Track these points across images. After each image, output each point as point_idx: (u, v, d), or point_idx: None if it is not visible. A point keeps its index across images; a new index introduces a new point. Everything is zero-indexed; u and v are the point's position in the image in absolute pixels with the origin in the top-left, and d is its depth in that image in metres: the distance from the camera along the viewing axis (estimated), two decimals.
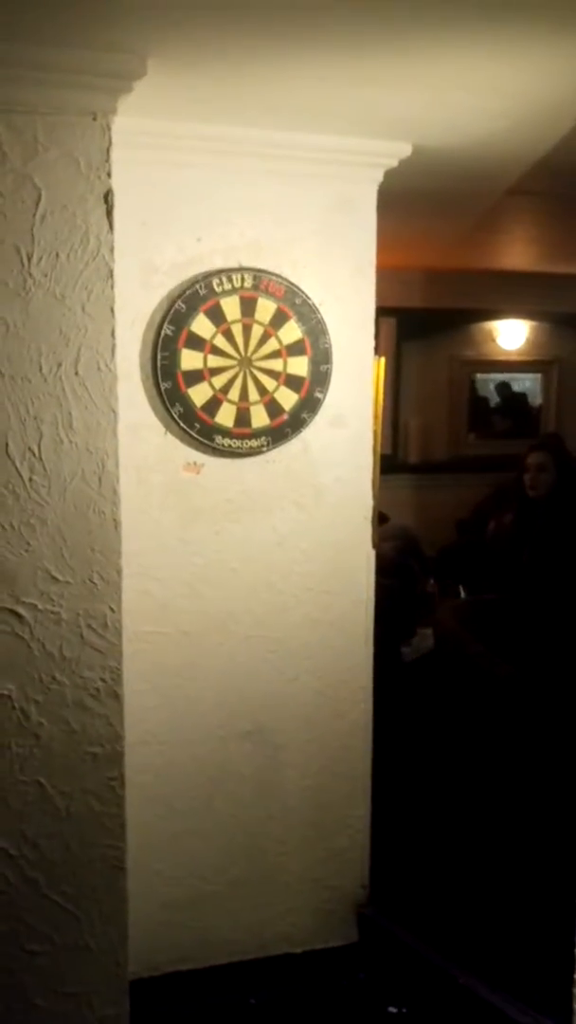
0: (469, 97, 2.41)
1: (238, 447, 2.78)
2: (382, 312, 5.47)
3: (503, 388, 7.60)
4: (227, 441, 2.76)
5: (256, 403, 2.76)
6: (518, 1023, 2.66)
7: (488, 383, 7.57)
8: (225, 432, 2.75)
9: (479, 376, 7.45)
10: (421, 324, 6.80)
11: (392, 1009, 2.93)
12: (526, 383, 7.61)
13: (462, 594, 5.05)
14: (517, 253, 5.92)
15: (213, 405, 2.73)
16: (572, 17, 1.89)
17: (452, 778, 3.66)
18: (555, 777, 3.21)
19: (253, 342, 2.75)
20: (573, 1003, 2.34)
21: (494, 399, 7.61)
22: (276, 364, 2.78)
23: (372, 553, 3.05)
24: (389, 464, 6.29)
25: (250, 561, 2.88)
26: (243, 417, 2.77)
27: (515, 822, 3.30)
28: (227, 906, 2.98)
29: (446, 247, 5.39)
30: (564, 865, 2.41)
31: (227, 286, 2.70)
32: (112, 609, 2.29)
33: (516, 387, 7.60)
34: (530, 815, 3.25)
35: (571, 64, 2.16)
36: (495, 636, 3.85)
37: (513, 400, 7.61)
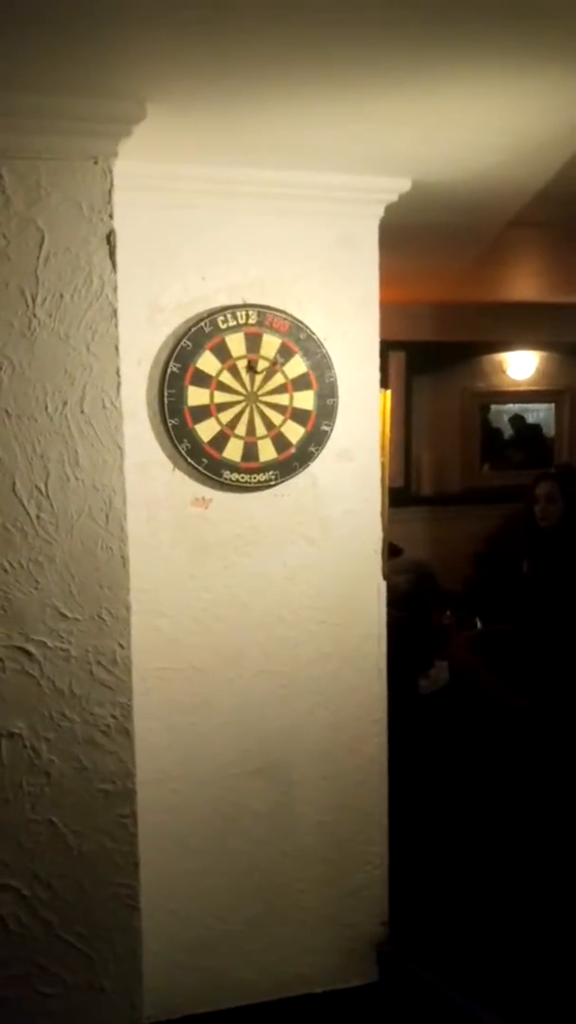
0: (465, 132, 2.45)
1: (246, 481, 2.79)
2: (391, 346, 5.52)
3: (516, 419, 7.61)
4: (235, 476, 2.78)
5: (263, 437, 2.78)
6: None
7: (501, 414, 7.59)
8: (233, 467, 2.77)
9: (491, 407, 7.46)
10: (431, 357, 6.83)
11: None
12: (539, 414, 7.62)
13: (478, 626, 5.03)
14: (524, 285, 5.96)
15: (220, 440, 2.75)
16: (562, 53, 1.92)
17: (470, 812, 3.62)
18: (572, 810, 3.17)
19: (259, 377, 2.77)
20: None
21: (507, 430, 7.62)
22: (282, 399, 2.80)
23: (383, 585, 3.04)
24: (402, 497, 6.32)
25: (260, 595, 2.88)
26: (250, 451, 2.78)
27: (535, 856, 3.25)
28: (244, 946, 2.94)
29: (452, 280, 5.43)
30: None
31: (232, 323, 2.73)
32: (121, 645, 2.29)
33: (529, 418, 7.61)
34: (550, 849, 3.20)
35: (564, 97, 2.18)
36: (510, 667, 3.82)
37: (526, 431, 7.62)
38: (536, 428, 7.61)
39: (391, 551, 3.79)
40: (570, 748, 3.34)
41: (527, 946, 3.01)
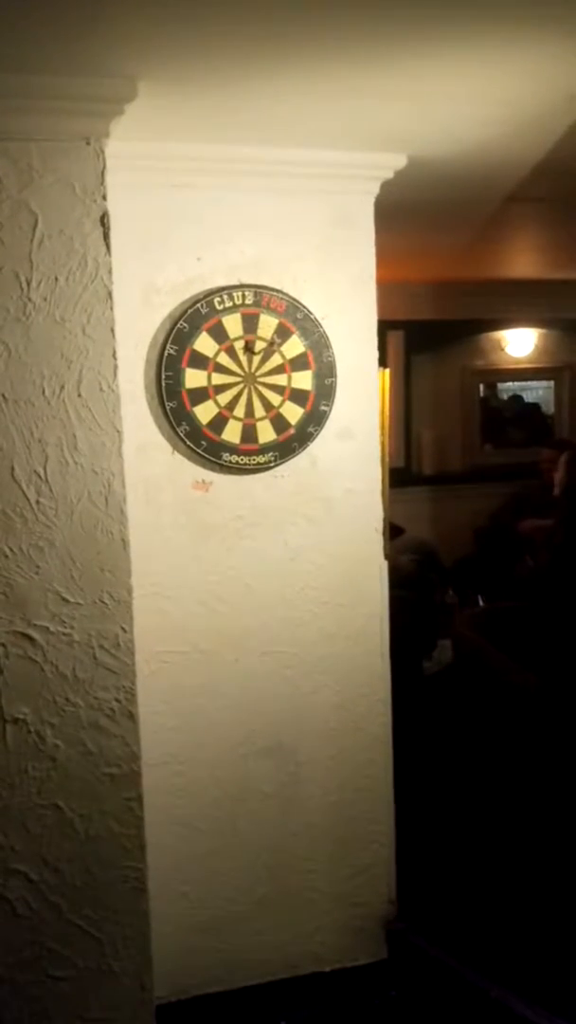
0: (460, 106, 2.42)
1: (246, 463, 2.78)
2: (390, 325, 5.50)
3: (516, 396, 7.60)
4: (234, 458, 2.76)
5: (262, 419, 2.77)
6: None
7: (501, 392, 7.57)
8: (232, 449, 2.76)
9: (491, 386, 7.44)
10: (430, 336, 6.81)
11: None
12: (539, 391, 7.60)
13: (481, 604, 5.03)
14: (522, 261, 5.92)
15: (219, 422, 2.74)
16: (558, 23, 1.90)
17: (477, 789, 3.62)
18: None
19: (256, 358, 2.75)
20: None
21: (507, 408, 7.60)
22: (280, 379, 2.79)
23: (385, 565, 3.04)
24: (403, 476, 6.31)
25: (263, 577, 2.88)
26: (249, 433, 2.77)
27: (542, 832, 3.25)
28: (254, 926, 2.95)
29: (450, 258, 5.40)
30: None
31: (228, 303, 2.72)
32: (124, 629, 2.29)
33: (529, 395, 7.59)
34: (558, 825, 3.21)
35: (560, 68, 2.16)
36: (515, 643, 3.82)
37: (526, 408, 7.60)
38: (535, 405, 7.60)
39: (392, 531, 3.79)
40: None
41: (535, 921, 3.02)
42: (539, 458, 6.23)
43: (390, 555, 3.07)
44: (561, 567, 4.11)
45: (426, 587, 4.40)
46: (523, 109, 2.46)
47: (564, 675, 3.52)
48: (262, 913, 2.96)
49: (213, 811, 2.89)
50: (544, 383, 7.56)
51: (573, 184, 3.39)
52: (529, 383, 7.58)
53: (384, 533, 3.04)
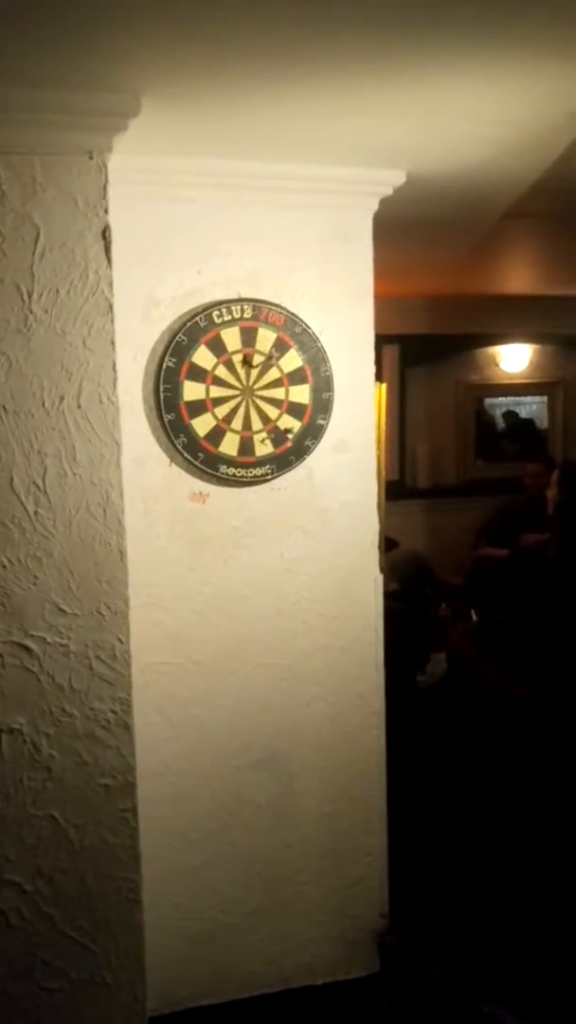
0: (458, 124, 2.45)
1: (243, 475, 2.79)
2: (385, 339, 5.52)
3: (510, 411, 7.63)
4: (231, 470, 2.78)
5: (259, 432, 2.78)
6: None
7: (495, 407, 7.60)
8: (229, 461, 2.77)
9: (486, 400, 7.48)
10: (425, 350, 6.84)
11: None
12: (532, 406, 7.64)
13: (474, 617, 5.04)
14: (518, 277, 5.96)
15: (216, 435, 2.75)
16: (558, 44, 1.92)
17: (470, 802, 3.63)
18: (573, 798, 3.18)
19: (255, 371, 2.77)
20: None
21: (501, 423, 7.63)
22: (278, 393, 2.80)
23: (380, 578, 3.05)
24: (398, 490, 6.33)
25: (259, 588, 2.89)
26: (247, 446, 2.78)
27: (535, 846, 3.26)
28: (247, 938, 2.95)
29: (446, 273, 5.43)
30: None
31: (227, 317, 2.73)
32: (120, 640, 2.30)
33: (523, 409, 7.63)
34: (550, 839, 3.21)
35: (559, 88, 2.18)
36: (509, 657, 3.83)
37: (520, 423, 7.64)
38: (529, 420, 7.64)
39: (387, 544, 3.80)
40: (572, 737, 3.34)
41: (528, 935, 3.02)
42: (524, 473, 6.26)
43: (383, 568, 3.08)
44: (555, 582, 4.12)
45: (419, 600, 4.41)
46: (522, 128, 2.48)
47: (558, 689, 3.53)
48: (255, 925, 2.96)
49: (207, 822, 2.89)
50: (538, 398, 7.60)
51: (570, 201, 3.42)
52: (523, 398, 7.62)
53: (379, 546, 3.06)
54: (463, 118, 2.40)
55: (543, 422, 7.60)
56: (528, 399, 7.62)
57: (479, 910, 3.20)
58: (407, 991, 3.04)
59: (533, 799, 3.34)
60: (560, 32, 1.87)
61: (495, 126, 2.46)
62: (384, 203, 2.92)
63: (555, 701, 3.44)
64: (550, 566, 4.24)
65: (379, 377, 3.10)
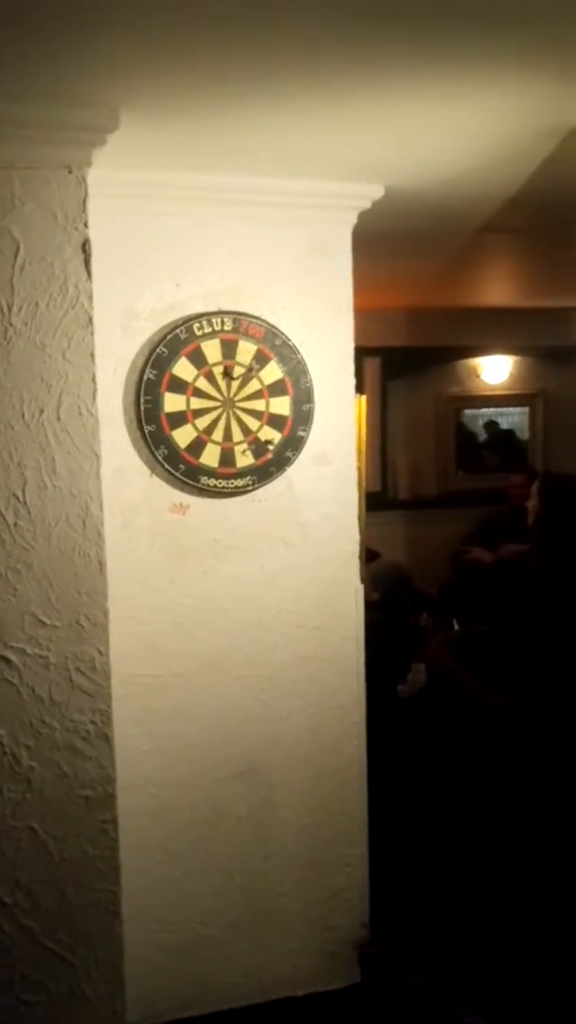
0: (437, 139, 2.48)
1: (223, 487, 2.81)
2: (366, 352, 5.54)
3: (491, 423, 7.68)
4: (212, 481, 2.79)
5: (240, 443, 2.80)
6: None
7: (476, 419, 7.65)
8: (210, 472, 2.78)
9: (466, 412, 7.52)
10: (406, 362, 6.88)
11: None
12: (513, 417, 7.69)
13: (455, 627, 5.06)
14: (498, 290, 6.01)
15: (197, 446, 2.76)
16: (533, 60, 1.95)
17: (449, 813, 3.64)
18: (553, 809, 3.20)
19: (235, 383, 2.78)
20: None
21: (482, 434, 7.68)
22: (259, 404, 2.82)
23: (361, 589, 3.06)
24: (379, 501, 6.35)
25: (239, 600, 2.89)
26: (228, 457, 2.80)
27: (515, 856, 3.27)
28: (227, 950, 2.95)
29: (427, 286, 5.47)
30: (565, 899, 2.39)
31: (207, 329, 2.75)
32: (100, 652, 2.30)
33: (503, 421, 7.68)
34: (529, 848, 3.23)
35: (535, 104, 2.21)
36: (488, 668, 3.85)
37: (501, 434, 7.69)
38: (510, 431, 7.69)
39: (368, 556, 3.82)
40: (551, 748, 3.36)
41: (508, 945, 3.03)
42: (508, 483, 6.30)
43: (364, 579, 3.10)
44: (535, 593, 4.15)
45: (400, 611, 4.43)
46: (499, 143, 2.51)
47: (537, 700, 3.55)
48: (235, 936, 2.95)
49: (186, 834, 2.88)
50: (519, 409, 7.65)
51: (547, 215, 3.46)
52: (504, 409, 7.67)
53: (360, 557, 3.07)
54: (440, 133, 2.43)
55: (524, 433, 7.65)
56: (509, 410, 7.67)
57: (460, 920, 3.21)
58: (388, 1002, 3.04)
59: (513, 809, 3.35)
60: (535, 50, 1.90)
61: (472, 141, 2.49)
62: (363, 217, 2.94)
63: (533, 711, 3.46)
64: (530, 577, 4.27)
65: (360, 389, 3.12)
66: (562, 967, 2.39)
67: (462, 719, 3.77)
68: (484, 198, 3.12)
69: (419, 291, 5.71)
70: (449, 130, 2.40)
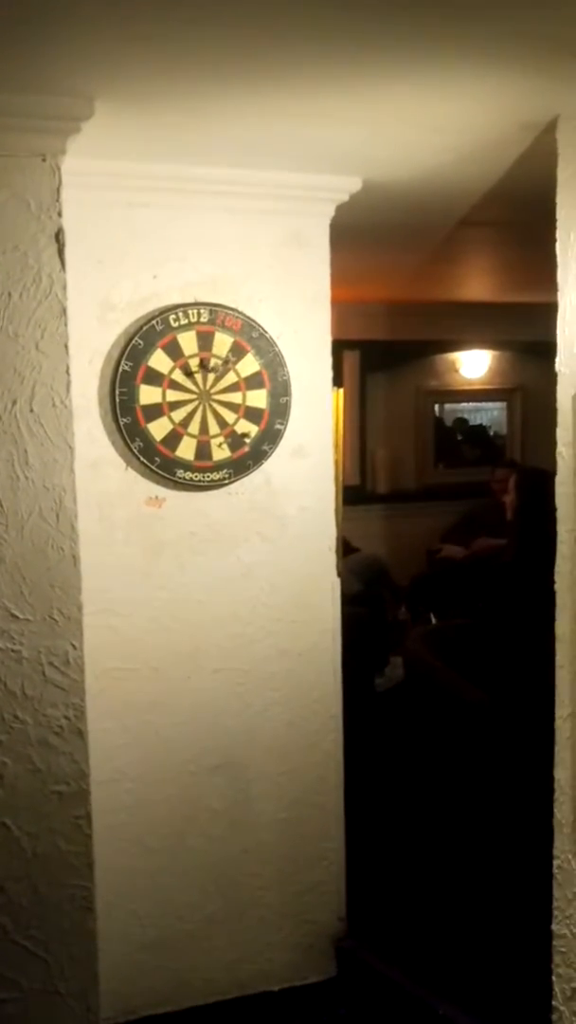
0: (414, 132, 2.46)
1: (200, 480, 2.79)
2: (346, 345, 5.53)
3: (469, 417, 7.70)
4: (188, 474, 2.77)
5: (216, 436, 2.78)
6: None
7: (455, 413, 7.66)
8: (186, 465, 2.77)
9: (446, 406, 7.53)
10: (385, 356, 6.88)
11: None
12: (492, 412, 7.70)
13: (433, 621, 5.07)
14: (477, 284, 6.02)
15: (173, 439, 2.74)
16: (509, 54, 1.94)
17: (427, 806, 3.65)
18: (528, 801, 3.21)
19: (211, 376, 2.77)
20: None
21: (460, 428, 7.69)
22: (235, 397, 2.80)
23: (338, 582, 3.06)
24: (358, 495, 6.35)
25: (216, 594, 2.88)
26: (204, 450, 2.78)
27: (490, 848, 3.28)
28: (203, 945, 2.94)
29: (406, 280, 5.46)
30: (538, 890, 2.40)
31: (184, 321, 2.73)
32: (74, 646, 2.28)
33: (483, 416, 7.69)
34: (505, 841, 3.24)
35: (510, 98, 2.21)
36: (465, 661, 3.86)
37: (479, 428, 7.70)
38: (487, 426, 7.71)
39: (347, 549, 3.81)
40: (527, 740, 3.37)
41: (483, 937, 3.04)
42: (490, 477, 6.31)
43: (341, 572, 3.09)
44: (511, 586, 4.16)
45: (378, 604, 4.43)
46: (476, 136, 2.51)
47: (513, 693, 3.56)
48: (211, 931, 2.95)
49: (163, 828, 2.87)
50: (497, 404, 7.66)
51: (525, 209, 3.45)
52: (483, 404, 7.68)
53: (337, 551, 3.07)
54: (416, 126, 2.41)
55: (503, 427, 7.67)
56: (488, 404, 7.69)
57: (436, 913, 3.22)
58: (364, 995, 3.04)
59: (489, 802, 3.36)
60: (510, 44, 1.89)
61: (448, 134, 2.48)
62: (341, 209, 2.93)
63: (509, 705, 3.47)
64: (504, 571, 4.28)
65: (338, 382, 3.11)
66: (535, 958, 2.40)
67: (439, 712, 3.77)
68: (462, 192, 3.11)
69: (399, 285, 5.70)
70: (425, 123, 2.39)
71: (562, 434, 2.24)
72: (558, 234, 2.25)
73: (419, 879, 3.40)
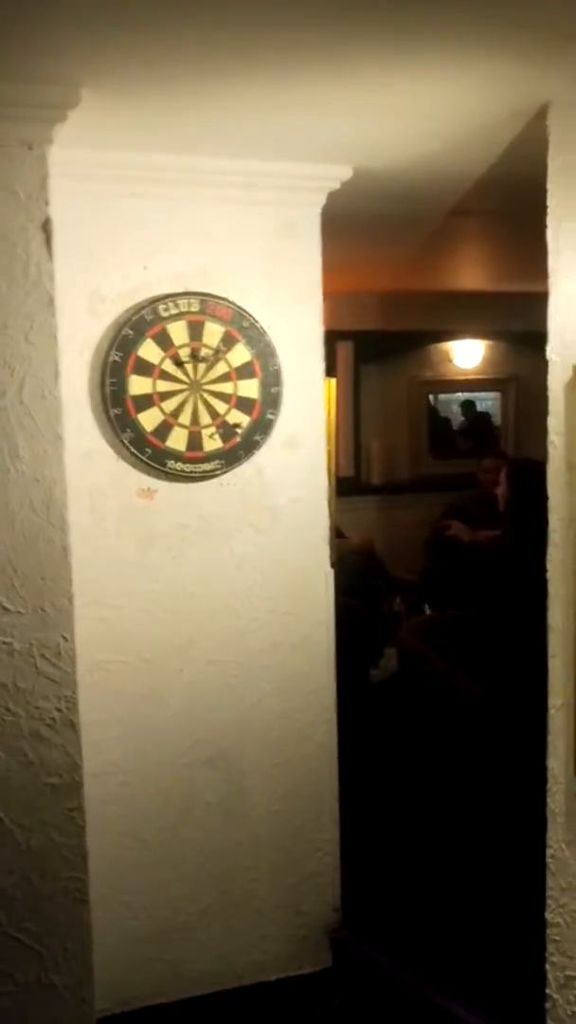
0: (405, 120, 2.45)
1: (191, 471, 2.78)
2: (339, 335, 5.50)
3: (463, 408, 7.68)
4: (180, 465, 2.76)
5: (208, 427, 2.77)
6: None
7: (449, 404, 7.64)
8: (177, 456, 2.76)
9: (440, 396, 7.52)
10: (379, 347, 6.86)
11: None
12: (487, 402, 7.69)
13: (427, 612, 5.06)
14: (471, 273, 6.00)
15: (164, 430, 2.73)
16: (501, 41, 1.92)
17: (422, 797, 3.65)
18: (521, 791, 3.21)
19: (202, 366, 2.75)
20: (546, 1020, 2.34)
21: (456, 419, 7.68)
22: (226, 387, 2.79)
23: (331, 573, 3.05)
24: (352, 486, 6.33)
25: (209, 585, 2.87)
26: (195, 441, 2.77)
27: (486, 840, 3.28)
28: (198, 936, 2.94)
29: (399, 269, 5.44)
30: (532, 881, 2.41)
31: (173, 311, 2.72)
32: (65, 638, 2.27)
33: (477, 406, 7.68)
34: (499, 831, 3.24)
35: (499, 86, 2.19)
36: (460, 652, 3.85)
37: (474, 419, 7.69)
38: (483, 416, 7.69)
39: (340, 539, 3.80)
40: (521, 731, 3.37)
41: (477, 927, 3.04)
42: (478, 468, 6.28)
43: (335, 563, 3.08)
44: (508, 578, 4.15)
45: (373, 596, 4.42)
46: (466, 124, 2.49)
47: (508, 684, 3.56)
48: (206, 923, 2.95)
49: (157, 821, 2.87)
50: (492, 394, 7.64)
51: (517, 198, 3.43)
52: (478, 394, 7.66)
53: (330, 542, 3.06)
54: (406, 113, 2.40)
55: (498, 418, 7.65)
56: (483, 395, 7.67)
57: (431, 903, 3.22)
58: (359, 986, 3.05)
59: (483, 794, 3.36)
60: (500, 31, 1.88)
61: (438, 122, 2.47)
62: (332, 198, 2.92)
63: (504, 696, 3.47)
64: (502, 561, 4.27)
65: (331, 373, 3.10)
66: (530, 947, 2.41)
67: (434, 704, 3.77)
68: (453, 180, 3.10)
69: (392, 275, 5.68)
70: (415, 110, 2.38)
71: (554, 423, 2.23)
72: (549, 222, 2.24)
73: (414, 870, 3.40)
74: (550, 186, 2.25)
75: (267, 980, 3.02)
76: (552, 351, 2.23)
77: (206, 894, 2.94)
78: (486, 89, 2.22)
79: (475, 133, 2.56)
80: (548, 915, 2.33)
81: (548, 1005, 2.35)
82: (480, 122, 2.47)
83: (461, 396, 7.65)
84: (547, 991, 2.35)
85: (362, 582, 4.35)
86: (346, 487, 6.10)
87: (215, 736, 2.91)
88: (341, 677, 3.12)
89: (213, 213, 2.79)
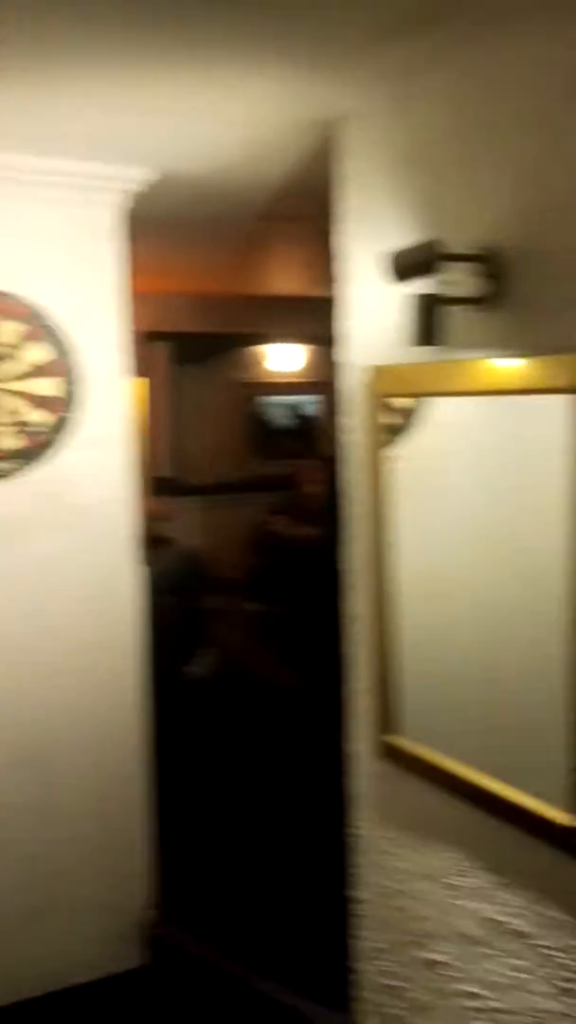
0: (204, 124, 2.48)
1: None
2: (155, 336, 5.49)
3: (289, 410, 7.82)
4: None
5: (5, 425, 2.73)
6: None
7: (274, 406, 7.76)
8: None
9: (260, 399, 7.62)
10: (198, 348, 6.89)
11: None
12: (308, 405, 7.85)
13: (248, 609, 5.13)
14: (285, 278, 6.11)
15: None
16: (292, 51, 1.98)
17: (239, 791, 3.70)
18: (333, 778, 3.31)
19: None
20: (351, 991, 2.43)
21: (276, 421, 7.81)
22: (25, 385, 2.76)
23: (140, 572, 3.06)
24: (174, 487, 6.34)
25: (13, 586, 2.83)
26: None
27: (298, 825, 3.37)
28: (16, 939, 2.89)
29: (216, 273, 5.49)
30: (342, 862, 2.49)
31: None
32: None
33: (297, 408, 7.83)
34: (312, 817, 3.33)
35: (298, 95, 2.24)
36: (279, 647, 3.94)
37: (296, 421, 7.84)
38: (304, 418, 7.85)
39: (159, 540, 3.82)
40: (333, 720, 3.47)
41: (292, 911, 3.13)
42: (291, 470, 6.39)
43: (149, 562, 3.09)
44: (319, 573, 4.27)
45: (192, 595, 4.46)
46: (263, 133, 2.55)
47: (323, 675, 3.66)
48: (23, 926, 2.90)
49: None
50: (314, 397, 7.81)
51: (323, 205, 3.54)
52: (303, 397, 7.81)
53: (139, 540, 3.07)
54: (207, 119, 2.43)
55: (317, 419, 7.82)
56: (303, 397, 7.82)
57: (249, 893, 3.28)
58: (178, 980, 3.07)
59: (298, 786, 3.45)
60: (292, 44, 1.93)
61: (240, 129, 2.51)
62: (142, 200, 2.93)
63: (319, 689, 3.57)
64: (316, 557, 4.39)
65: (142, 373, 3.10)
66: (340, 925, 2.50)
67: (254, 698, 3.84)
68: (257, 186, 3.16)
69: (209, 277, 5.72)
70: (215, 117, 2.41)
71: (346, 421, 2.32)
72: (336, 228, 2.34)
73: (233, 861, 3.45)
74: (339, 193, 2.34)
75: (88, 980, 3.01)
76: (340, 353, 2.32)
77: (22, 896, 2.90)
78: (282, 99, 2.28)
79: (273, 141, 2.63)
80: (355, 892, 2.41)
81: (354, 977, 2.44)
82: (278, 131, 2.53)
83: (286, 399, 7.79)
84: (355, 964, 2.44)
85: (182, 582, 4.37)
86: (165, 488, 6.10)
87: (24, 738, 2.88)
88: (157, 676, 3.13)
89: (10, 208, 2.75)
